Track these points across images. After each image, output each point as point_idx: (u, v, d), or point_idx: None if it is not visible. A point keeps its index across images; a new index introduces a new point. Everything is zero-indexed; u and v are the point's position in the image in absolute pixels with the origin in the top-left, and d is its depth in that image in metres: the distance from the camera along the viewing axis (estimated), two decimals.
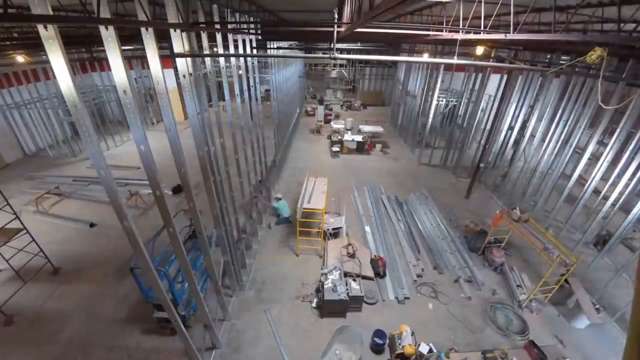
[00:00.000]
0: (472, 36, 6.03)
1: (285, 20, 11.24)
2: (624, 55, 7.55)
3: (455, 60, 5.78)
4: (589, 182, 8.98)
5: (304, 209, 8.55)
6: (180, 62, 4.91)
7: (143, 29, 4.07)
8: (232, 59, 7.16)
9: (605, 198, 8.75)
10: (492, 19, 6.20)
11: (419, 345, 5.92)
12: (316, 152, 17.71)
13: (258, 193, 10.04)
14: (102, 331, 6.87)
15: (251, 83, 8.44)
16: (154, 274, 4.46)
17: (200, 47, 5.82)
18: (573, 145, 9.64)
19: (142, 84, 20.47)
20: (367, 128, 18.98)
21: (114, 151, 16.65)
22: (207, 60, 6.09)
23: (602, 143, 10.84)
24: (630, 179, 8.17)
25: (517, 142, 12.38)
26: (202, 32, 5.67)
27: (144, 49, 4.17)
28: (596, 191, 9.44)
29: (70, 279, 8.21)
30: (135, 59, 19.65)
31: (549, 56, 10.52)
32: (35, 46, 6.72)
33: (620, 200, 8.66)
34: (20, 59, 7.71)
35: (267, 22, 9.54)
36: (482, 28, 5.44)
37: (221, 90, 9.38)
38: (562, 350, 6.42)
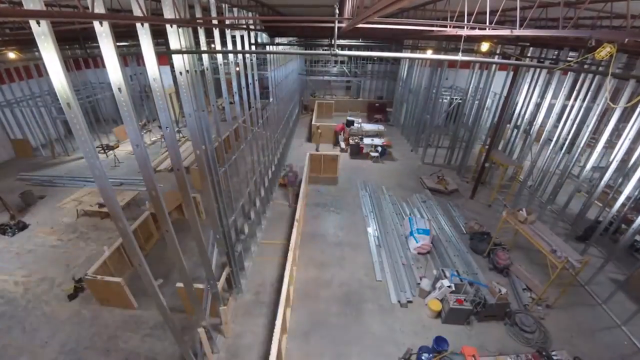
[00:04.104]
0: (477, 32, 5.86)
1: (284, 14, 11.11)
2: (633, 52, 7.35)
3: (459, 57, 5.61)
4: (598, 181, 8.79)
5: None
6: (177, 59, 4.80)
7: (138, 25, 3.95)
8: (230, 56, 7.04)
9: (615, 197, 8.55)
10: (498, 14, 6.04)
11: None
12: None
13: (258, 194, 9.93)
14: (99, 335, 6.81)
15: (249, 80, 8.31)
16: (152, 280, 4.36)
17: (198, 43, 5.71)
18: (581, 145, 9.44)
19: (138, 82, 20.33)
20: (368, 127, 18.79)
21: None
22: (205, 57, 5.97)
23: (611, 142, 10.59)
24: None
25: (523, 141, 12.18)
26: (199, 27, 5.54)
27: (139, 45, 4.07)
28: (605, 192, 9.25)
29: None
30: (130, 56, 19.50)
31: (556, 53, 10.31)
32: (28, 42, 6.60)
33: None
34: (11, 55, 7.58)
35: (266, 17, 9.40)
36: (487, 24, 5.27)
37: (219, 88, 9.28)
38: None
